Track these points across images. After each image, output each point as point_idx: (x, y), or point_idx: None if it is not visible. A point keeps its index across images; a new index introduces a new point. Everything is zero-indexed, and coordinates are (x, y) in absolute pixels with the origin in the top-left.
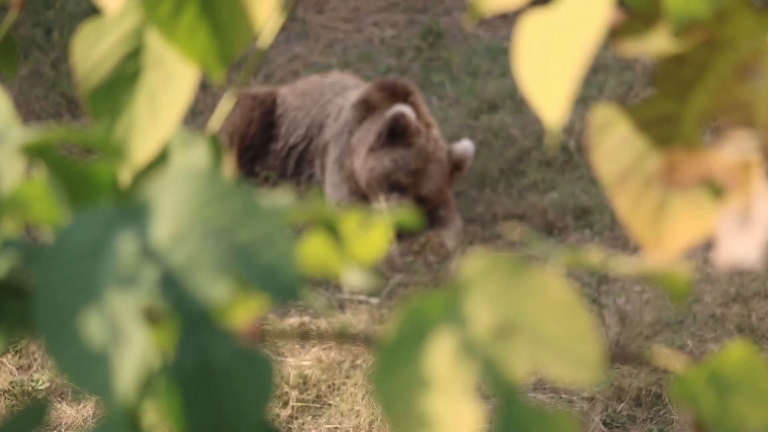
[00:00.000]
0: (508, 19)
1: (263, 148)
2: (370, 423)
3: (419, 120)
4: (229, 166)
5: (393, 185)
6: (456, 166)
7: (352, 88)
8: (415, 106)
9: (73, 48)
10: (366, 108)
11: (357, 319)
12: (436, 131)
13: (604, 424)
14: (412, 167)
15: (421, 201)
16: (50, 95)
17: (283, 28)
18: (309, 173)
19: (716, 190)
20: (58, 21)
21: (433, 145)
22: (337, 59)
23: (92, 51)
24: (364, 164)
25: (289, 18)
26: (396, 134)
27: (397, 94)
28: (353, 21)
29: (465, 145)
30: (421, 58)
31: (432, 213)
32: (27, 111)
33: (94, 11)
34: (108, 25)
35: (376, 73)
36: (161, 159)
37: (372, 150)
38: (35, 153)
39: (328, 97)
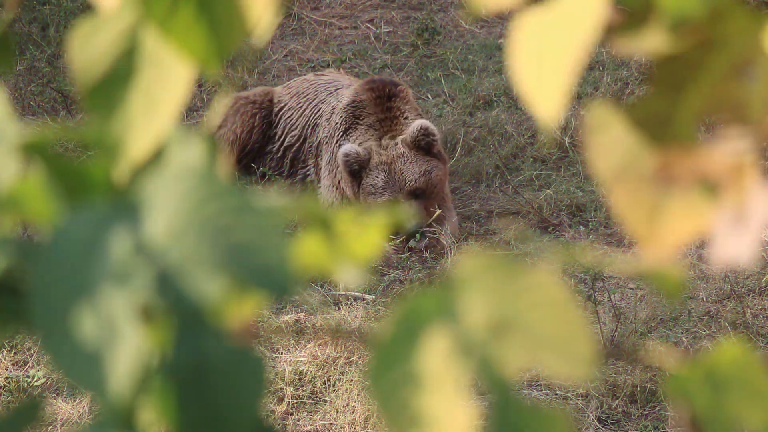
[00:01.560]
0: (503, 17)
1: (261, 150)
2: (365, 419)
3: (400, 112)
4: (226, 165)
5: (390, 197)
6: (417, 144)
7: (345, 87)
8: (398, 108)
9: (69, 45)
10: (353, 112)
11: (352, 316)
12: (401, 137)
13: (599, 420)
14: (381, 183)
15: (416, 193)
16: (46, 91)
17: (279, 25)
18: (304, 173)
19: (711, 188)
20: (54, 17)
21: (392, 147)
22: (333, 56)
23: (89, 48)
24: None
25: (285, 14)
26: (358, 169)
27: (384, 93)
28: (349, 17)
29: (414, 123)
30: (416, 55)
31: (427, 209)
32: (23, 107)
33: (90, 8)
34: (104, 22)
35: (371, 70)
36: (157, 157)
37: (356, 194)
38: (32, 151)
39: (321, 97)
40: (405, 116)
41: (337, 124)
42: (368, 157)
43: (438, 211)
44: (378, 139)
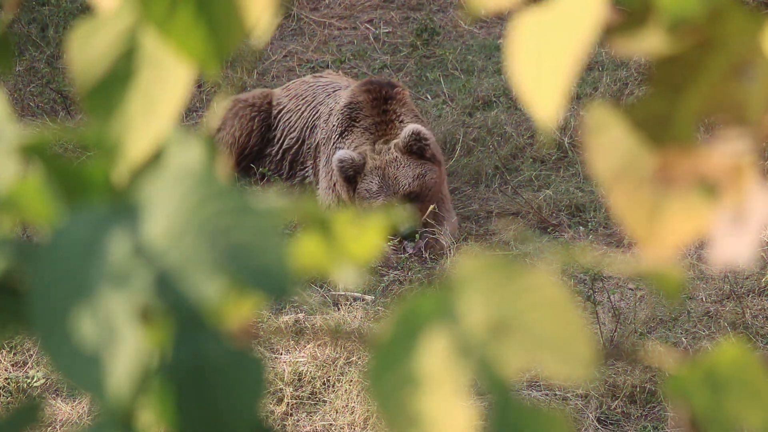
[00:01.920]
0: (502, 17)
1: (260, 153)
2: (365, 420)
3: (395, 114)
4: (224, 166)
5: (385, 202)
6: (410, 149)
7: (344, 89)
8: (394, 112)
9: (68, 46)
10: (350, 114)
11: (351, 317)
12: (394, 141)
13: (599, 421)
14: (375, 188)
15: (410, 197)
16: (45, 92)
17: (278, 25)
18: (302, 175)
19: (710, 188)
20: (54, 18)
21: (385, 152)
22: (332, 56)
23: (88, 49)
24: (358, 201)
25: (284, 15)
26: (353, 174)
27: (381, 95)
28: (348, 18)
29: (406, 128)
30: (415, 56)
31: (423, 212)
32: (22, 107)
33: (89, 9)
34: (103, 23)
35: (370, 70)
36: (156, 158)
37: (352, 199)
38: (31, 152)
39: (319, 99)
40: (400, 120)
41: (334, 126)
42: (363, 162)
43: (431, 206)
44: (373, 143)
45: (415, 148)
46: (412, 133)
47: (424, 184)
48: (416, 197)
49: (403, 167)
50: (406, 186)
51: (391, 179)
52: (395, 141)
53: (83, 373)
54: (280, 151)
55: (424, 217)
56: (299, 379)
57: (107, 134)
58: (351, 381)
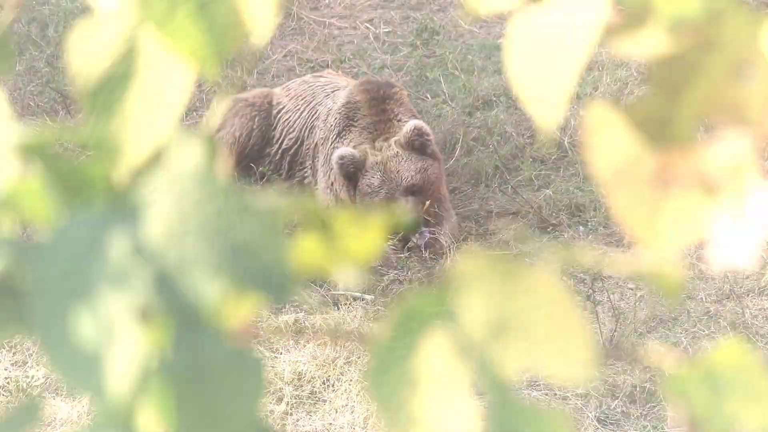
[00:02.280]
0: (502, 17)
1: (260, 153)
2: (365, 419)
3: (392, 113)
4: (224, 166)
5: (387, 196)
6: (411, 144)
7: (342, 89)
8: (392, 111)
9: (68, 46)
10: (347, 114)
11: (351, 316)
12: (394, 138)
13: (598, 420)
14: (377, 183)
15: (413, 190)
16: (45, 91)
17: (278, 25)
18: (302, 175)
19: (710, 189)
20: (54, 17)
21: (386, 148)
22: (332, 56)
23: (88, 49)
24: (359, 198)
25: (284, 14)
26: (353, 171)
27: (379, 95)
28: (348, 17)
29: (407, 124)
30: (415, 55)
31: (426, 210)
32: (22, 107)
33: (89, 8)
34: (103, 23)
35: (370, 70)
36: (157, 158)
37: (351, 197)
38: (31, 151)
39: (318, 99)
40: (399, 119)
41: (331, 126)
42: (363, 159)
43: (428, 202)
44: (372, 141)
45: (417, 144)
46: (414, 128)
47: (426, 178)
48: (419, 190)
49: (405, 161)
50: (409, 179)
51: (393, 173)
52: (396, 137)
53: (83, 373)
54: (280, 151)
55: (424, 209)
56: (299, 379)
57: (107, 134)
58: (351, 380)
